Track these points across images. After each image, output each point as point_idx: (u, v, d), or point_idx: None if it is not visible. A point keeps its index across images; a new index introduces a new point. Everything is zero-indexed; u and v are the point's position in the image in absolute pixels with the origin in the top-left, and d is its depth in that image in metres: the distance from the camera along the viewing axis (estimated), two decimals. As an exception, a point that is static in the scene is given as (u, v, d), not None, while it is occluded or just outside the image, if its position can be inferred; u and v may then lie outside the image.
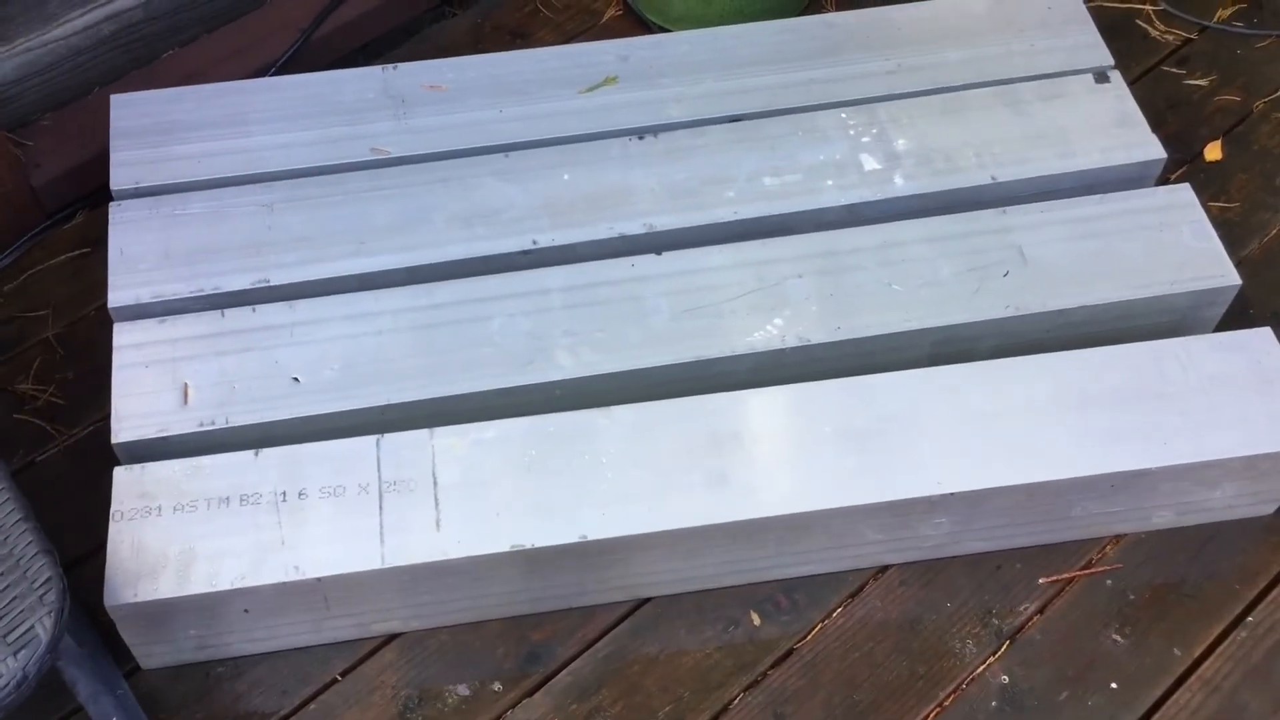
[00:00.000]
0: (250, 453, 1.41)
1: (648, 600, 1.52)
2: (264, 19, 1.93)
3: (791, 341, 1.53)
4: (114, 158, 1.65)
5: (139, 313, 1.52)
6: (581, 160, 1.68)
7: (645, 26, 2.08)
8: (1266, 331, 1.56)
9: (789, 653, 1.49)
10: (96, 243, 1.77)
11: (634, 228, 1.62)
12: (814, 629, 1.50)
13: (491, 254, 1.59)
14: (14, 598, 1.06)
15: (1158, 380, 1.51)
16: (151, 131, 1.68)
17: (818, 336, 1.53)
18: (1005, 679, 1.47)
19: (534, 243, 1.60)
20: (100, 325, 1.69)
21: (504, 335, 1.52)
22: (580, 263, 1.59)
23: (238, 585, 1.32)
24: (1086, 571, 1.55)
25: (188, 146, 1.67)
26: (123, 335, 1.49)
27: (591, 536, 1.37)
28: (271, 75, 1.89)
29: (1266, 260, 1.82)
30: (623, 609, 1.51)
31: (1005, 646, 1.50)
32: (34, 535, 1.10)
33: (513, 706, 1.44)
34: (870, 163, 1.69)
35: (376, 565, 1.34)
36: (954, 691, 1.46)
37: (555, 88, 1.76)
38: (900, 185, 1.67)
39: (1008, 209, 1.65)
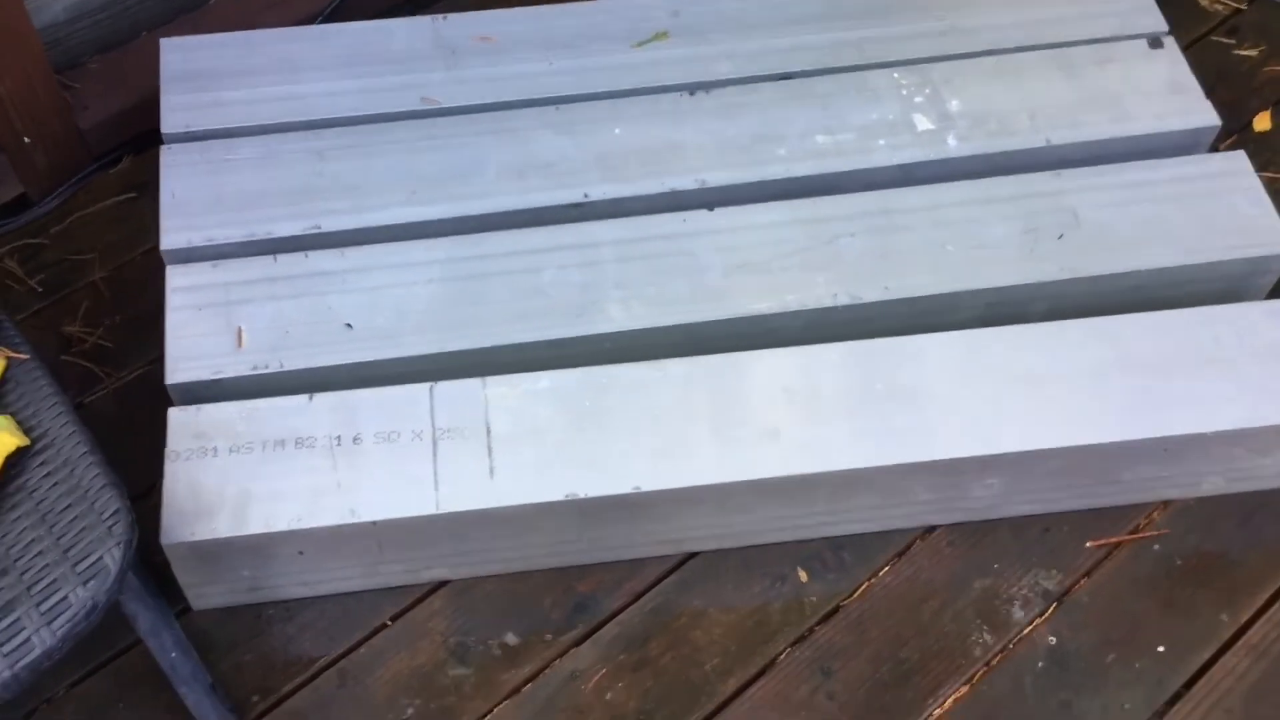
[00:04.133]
0: (304, 397, 1.41)
1: (695, 554, 1.51)
2: (308, -33, 1.91)
3: (843, 300, 1.52)
4: (164, 101, 1.64)
5: (190, 256, 1.52)
6: (633, 115, 1.67)
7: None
8: (1321, 300, 1.55)
9: (836, 609, 1.49)
10: (142, 187, 1.77)
11: (686, 183, 1.62)
12: (861, 587, 1.50)
13: (543, 206, 1.59)
14: (83, 528, 1.06)
15: (1212, 346, 1.50)
16: (201, 76, 1.67)
17: (870, 295, 1.53)
18: (1053, 640, 1.47)
19: (585, 196, 1.60)
20: (147, 269, 1.69)
21: (555, 287, 1.51)
22: (631, 217, 1.58)
23: (294, 527, 1.32)
24: (1134, 536, 1.54)
25: (238, 92, 1.66)
26: (175, 278, 1.49)
27: (644, 488, 1.37)
28: (319, 23, 1.88)
29: (1316, 231, 1.80)
30: (670, 562, 1.51)
31: (1053, 608, 1.49)
32: (100, 468, 1.10)
33: (560, 656, 1.44)
34: (923, 123, 1.68)
35: (431, 511, 1.34)
36: (1001, 651, 1.46)
37: (606, 41, 1.75)
38: (953, 146, 1.66)
39: (1062, 172, 1.64)
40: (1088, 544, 1.54)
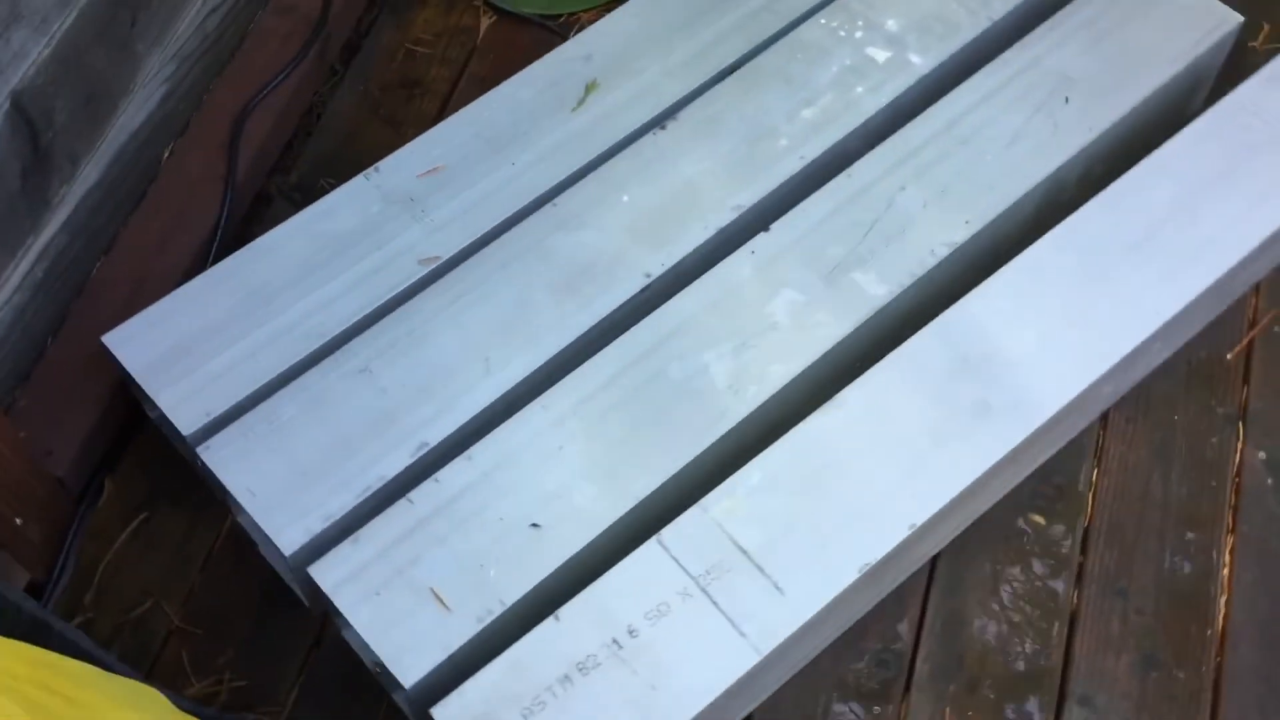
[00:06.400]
0: (550, 620, 1.25)
1: (937, 557, 1.47)
2: (169, 185, 1.66)
3: (941, 251, 1.49)
4: (161, 402, 1.39)
5: (320, 547, 1.31)
6: (628, 175, 1.55)
7: (526, 22, 1.93)
8: (1295, 50, 1.65)
9: (1085, 534, 1.48)
10: (146, 505, 1.52)
11: (724, 217, 1.53)
12: (1089, 502, 1.50)
13: (614, 308, 1.46)
14: None
15: (1247, 135, 1.56)
16: (173, 356, 1.43)
17: (959, 236, 1.50)
18: (1263, 455, 1.52)
19: (647, 276, 1.48)
20: (219, 584, 1.46)
21: (690, 378, 1.40)
22: (700, 277, 1.48)
23: (647, 753, 1.18)
24: (1259, 329, 1.61)
25: (225, 354, 1.43)
26: (326, 575, 1.28)
27: (919, 522, 1.31)
28: (219, 243, 1.64)
29: None
30: (921, 577, 1.46)
31: (1242, 428, 1.54)
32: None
33: (898, 718, 1.37)
34: (880, 54, 1.65)
35: (755, 658, 1.23)
36: (1234, 489, 1.50)
37: (545, 117, 1.61)
38: (920, 64, 1.64)
39: (1024, 41, 1.65)
40: (1227, 356, 1.59)
